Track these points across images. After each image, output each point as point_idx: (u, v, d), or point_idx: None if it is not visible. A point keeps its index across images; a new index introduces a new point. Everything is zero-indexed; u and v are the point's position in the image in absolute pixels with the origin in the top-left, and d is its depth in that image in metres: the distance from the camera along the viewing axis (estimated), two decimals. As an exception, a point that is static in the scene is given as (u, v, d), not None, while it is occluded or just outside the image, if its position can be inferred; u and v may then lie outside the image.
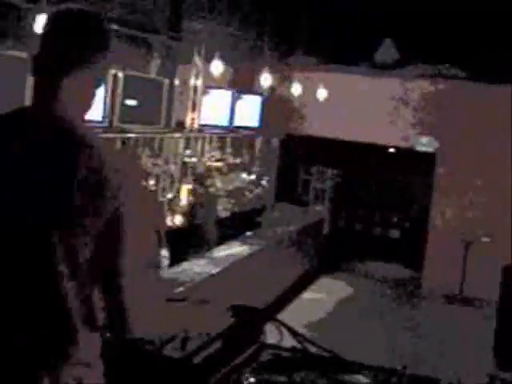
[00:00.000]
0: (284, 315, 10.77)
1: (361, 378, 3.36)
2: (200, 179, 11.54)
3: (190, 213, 11.19)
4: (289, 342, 3.68)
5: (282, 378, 3.35)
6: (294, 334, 3.57)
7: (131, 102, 9.62)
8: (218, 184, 12.60)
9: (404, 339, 10.58)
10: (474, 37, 13.63)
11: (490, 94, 13.32)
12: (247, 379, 3.25)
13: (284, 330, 3.64)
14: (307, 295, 12.77)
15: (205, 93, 11.84)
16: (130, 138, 10.13)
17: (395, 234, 16.24)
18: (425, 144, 13.87)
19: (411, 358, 9.15)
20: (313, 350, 3.64)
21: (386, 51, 14.74)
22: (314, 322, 10.99)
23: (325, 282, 13.74)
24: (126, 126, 9.69)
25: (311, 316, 11.29)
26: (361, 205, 16.44)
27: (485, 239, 12.97)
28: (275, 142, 14.90)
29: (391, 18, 14.07)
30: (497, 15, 13.36)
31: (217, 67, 11.21)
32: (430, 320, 12.04)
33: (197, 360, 3.11)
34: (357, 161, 15.29)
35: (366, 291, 13.33)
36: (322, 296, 12.80)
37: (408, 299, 13.32)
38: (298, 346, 3.60)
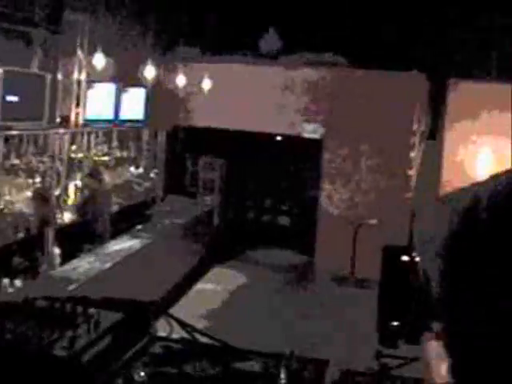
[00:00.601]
0: (178, 307, 10.79)
1: (251, 364, 3.40)
2: (95, 174, 11.36)
3: (79, 209, 11.05)
4: (179, 333, 3.69)
5: (173, 370, 3.36)
6: (183, 325, 3.58)
7: (12, 98, 9.41)
8: (106, 178, 12.48)
9: (297, 323, 10.72)
10: (355, 25, 13.91)
11: (373, 80, 13.61)
12: (138, 373, 3.25)
13: (173, 322, 3.65)
14: (200, 286, 12.79)
15: (89, 87, 11.69)
16: (13, 135, 9.93)
17: (285, 220, 16.43)
18: (311, 131, 14.05)
19: (304, 341, 9.28)
20: (203, 340, 3.67)
21: (270, 40, 14.85)
22: (208, 312, 11.03)
23: (217, 271, 13.77)
24: (8, 123, 9.48)
25: (205, 306, 11.33)
26: (250, 193, 16.55)
27: (372, 221, 13.26)
28: (162, 134, 14.84)
29: (275, 7, 14.19)
30: (376, 4, 13.69)
31: (99, 60, 11.07)
32: (323, 303, 12.22)
33: (86, 358, 3.08)
34: (245, 150, 15.37)
35: (258, 278, 13.44)
36: (215, 286, 12.84)
37: (300, 284, 13.50)
38: (188, 337, 3.61)
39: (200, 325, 9.85)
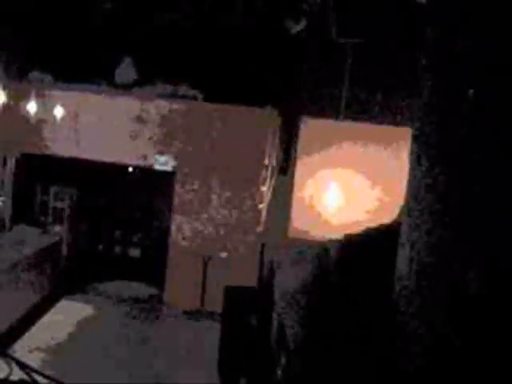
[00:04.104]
0: (24, 340, 10.53)
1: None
2: None
3: None
4: (18, 375, 3.60)
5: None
6: (21, 366, 3.50)
7: None
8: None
9: (146, 358, 10.64)
10: (210, 59, 14.07)
11: (226, 114, 13.77)
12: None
13: (13, 363, 3.57)
14: (47, 319, 12.46)
15: None
16: None
17: (136, 252, 16.30)
18: (163, 163, 14.05)
19: (152, 376, 9.23)
20: (43, 381, 3.59)
21: (126, 70, 14.80)
22: (53, 346, 10.79)
23: (65, 304, 13.48)
24: None
25: (50, 340, 11.08)
26: (101, 224, 16.33)
27: (222, 254, 13.35)
28: (11, 160, 14.46)
29: (131, 38, 14.17)
30: (228, 41, 13.93)
31: None
32: (172, 336, 12.17)
33: None
34: (97, 180, 15.19)
35: (107, 311, 13.25)
36: (63, 318, 12.54)
37: (149, 317, 13.39)
38: (27, 378, 3.53)
39: (43, 359, 9.63)
